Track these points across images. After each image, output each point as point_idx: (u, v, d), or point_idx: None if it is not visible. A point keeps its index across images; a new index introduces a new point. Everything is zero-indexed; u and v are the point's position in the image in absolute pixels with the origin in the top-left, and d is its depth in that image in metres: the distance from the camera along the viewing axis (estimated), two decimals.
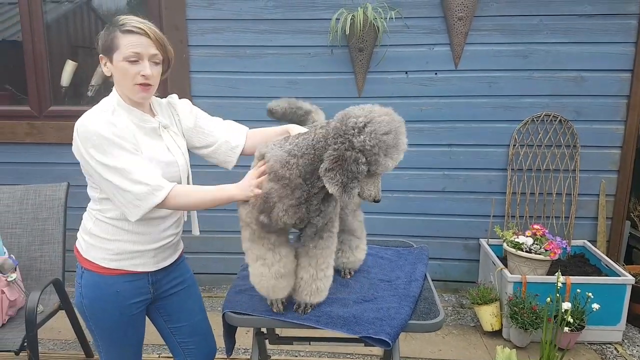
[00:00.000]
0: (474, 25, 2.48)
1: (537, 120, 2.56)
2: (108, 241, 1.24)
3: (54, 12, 2.78)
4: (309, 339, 1.61)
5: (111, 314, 1.26)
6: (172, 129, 1.31)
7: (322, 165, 1.06)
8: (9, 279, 1.78)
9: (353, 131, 1.04)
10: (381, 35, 2.43)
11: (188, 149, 1.39)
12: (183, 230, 1.41)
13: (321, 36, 2.53)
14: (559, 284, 2.16)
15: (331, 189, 1.05)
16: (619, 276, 2.27)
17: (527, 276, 2.23)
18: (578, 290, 2.17)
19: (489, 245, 2.59)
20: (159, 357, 2.17)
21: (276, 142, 1.19)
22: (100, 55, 1.22)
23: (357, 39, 2.41)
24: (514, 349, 1.83)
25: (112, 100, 1.23)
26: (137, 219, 1.18)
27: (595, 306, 2.08)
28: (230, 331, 1.41)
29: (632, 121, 2.52)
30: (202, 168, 2.48)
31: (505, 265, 2.36)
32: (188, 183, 1.34)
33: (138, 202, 1.15)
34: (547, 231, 2.32)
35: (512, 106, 2.57)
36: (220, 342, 1.47)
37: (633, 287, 2.25)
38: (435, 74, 2.56)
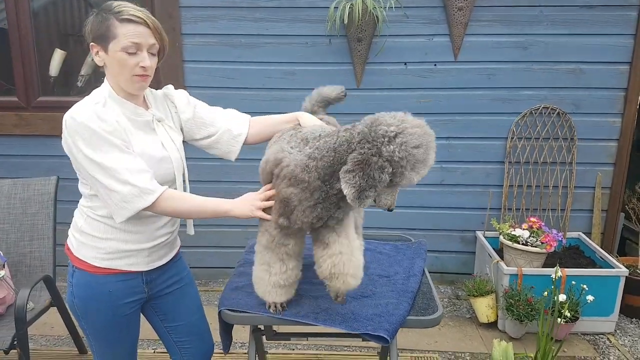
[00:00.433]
0: (474, 16, 2.44)
1: (535, 113, 2.55)
2: (100, 240, 1.20)
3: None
4: (306, 335, 1.60)
5: (104, 314, 1.23)
6: (166, 122, 1.26)
7: (344, 167, 1.04)
8: None
9: (383, 139, 1.02)
10: (381, 25, 2.38)
11: (188, 142, 1.34)
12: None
13: (319, 25, 2.48)
14: (555, 277, 2.18)
15: (347, 190, 1.02)
16: (613, 268, 2.29)
17: (523, 268, 2.24)
18: (573, 282, 2.19)
19: (485, 237, 2.60)
20: (154, 352, 2.15)
21: (294, 144, 1.15)
22: (92, 43, 1.15)
23: (355, 28, 2.36)
24: (511, 342, 1.84)
25: (103, 91, 1.18)
26: (122, 220, 1.14)
27: (590, 298, 2.09)
28: (227, 329, 1.39)
29: (629, 114, 2.52)
30: (199, 161, 2.45)
31: (502, 257, 2.37)
32: (183, 180, 1.29)
33: (124, 204, 1.10)
34: (543, 224, 2.32)
35: (510, 98, 2.55)
36: (217, 336, 1.45)
37: (626, 278, 2.28)
38: (435, 65, 2.52)
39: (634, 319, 2.46)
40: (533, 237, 2.26)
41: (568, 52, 2.47)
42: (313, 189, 1.10)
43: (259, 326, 1.48)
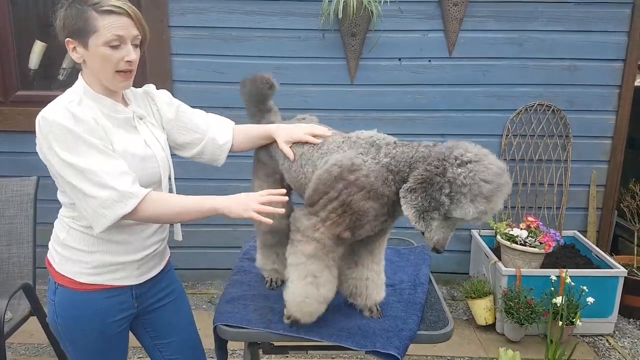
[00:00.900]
0: (469, 12, 2.41)
1: (530, 110, 2.52)
2: (84, 253, 1.09)
3: None
4: (305, 348, 1.51)
5: (90, 334, 1.12)
6: (148, 119, 1.16)
7: (405, 184, 0.97)
8: None
9: (454, 161, 0.96)
10: (375, 19, 2.33)
11: (171, 146, 1.24)
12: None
13: (312, 19, 2.41)
14: (554, 278, 2.15)
15: (407, 211, 0.96)
16: (611, 268, 2.26)
17: (521, 269, 2.20)
18: (572, 283, 2.16)
19: (480, 236, 2.56)
20: None
21: (364, 150, 1.07)
22: (67, 39, 1.04)
23: (350, 23, 2.30)
24: (518, 352, 1.78)
25: (77, 89, 1.07)
26: (101, 230, 1.02)
27: (590, 300, 2.07)
28: (222, 345, 1.30)
29: (623, 111, 2.51)
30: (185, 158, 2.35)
31: (498, 257, 2.33)
32: (170, 180, 1.20)
33: (103, 211, 0.99)
34: (540, 223, 2.29)
35: (505, 95, 2.52)
36: (206, 342, 1.37)
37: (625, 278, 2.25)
38: (429, 61, 2.48)
39: (631, 320, 2.44)
40: (531, 236, 2.23)
41: (563, 49, 2.46)
42: (389, 204, 1.03)
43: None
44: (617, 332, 2.33)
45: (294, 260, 1.11)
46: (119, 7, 1.02)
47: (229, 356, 2.07)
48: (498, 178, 0.95)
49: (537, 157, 2.57)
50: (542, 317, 2.14)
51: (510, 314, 2.14)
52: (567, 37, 2.44)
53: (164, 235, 1.22)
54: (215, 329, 1.19)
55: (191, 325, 1.33)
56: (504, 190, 0.96)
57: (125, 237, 1.11)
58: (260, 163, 1.33)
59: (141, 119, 1.14)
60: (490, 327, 2.32)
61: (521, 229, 2.27)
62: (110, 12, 1.01)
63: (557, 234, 2.28)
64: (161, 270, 1.24)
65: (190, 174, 2.46)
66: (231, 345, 2.00)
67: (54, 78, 2.61)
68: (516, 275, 2.20)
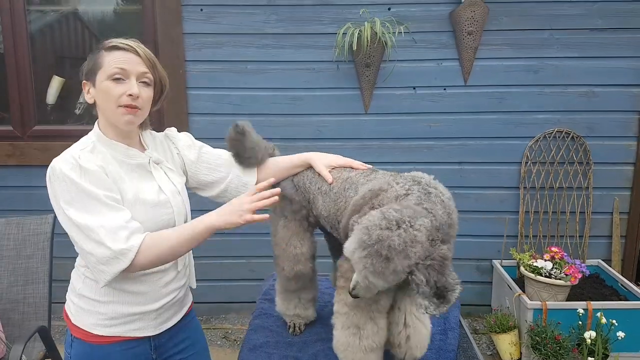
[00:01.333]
0: (484, 40, 2.40)
1: (549, 137, 2.48)
2: (100, 303, 1.06)
3: (38, 22, 2.61)
4: None
5: None
6: (165, 164, 1.14)
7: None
8: None
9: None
10: (390, 50, 2.33)
11: (193, 189, 1.22)
12: None
13: (326, 51, 2.42)
14: (581, 311, 2.07)
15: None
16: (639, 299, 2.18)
17: (547, 302, 2.12)
18: (598, 313, 2.06)
19: (502, 267, 2.48)
20: None
21: (403, 181, 0.95)
22: (83, 81, 1.06)
23: (364, 54, 2.30)
24: None
25: (91, 136, 1.07)
26: (105, 284, 1.00)
27: (621, 334, 1.98)
28: None
29: None
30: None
31: (521, 288, 2.25)
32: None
33: (102, 267, 0.97)
34: (565, 254, 2.22)
35: (523, 122, 2.48)
36: None
37: None
38: (444, 89, 2.47)
39: None
40: (556, 268, 2.16)
41: (579, 75, 2.43)
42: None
43: None
44: None
45: (338, 308, 1.05)
46: (126, 44, 1.03)
47: None
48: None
49: (557, 184, 2.52)
50: (570, 352, 2.05)
51: (537, 349, 2.05)
52: (584, 63, 2.42)
53: (183, 282, 1.17)
54: None
55: None
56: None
57: (140, 287, 1.07)
58: (286, 200, 1.25)
59: (158, 163, 1.12)
60: None
61: (545, 260, 2.20)
62: (116, 47, 1.02)
63: (583, 265, 2.20)
64: (182, 318, 1.19)
65: (206, 205, 2.44)
66: None
67: (70, 113, 2.64)
68: (542, 309, 2.12)
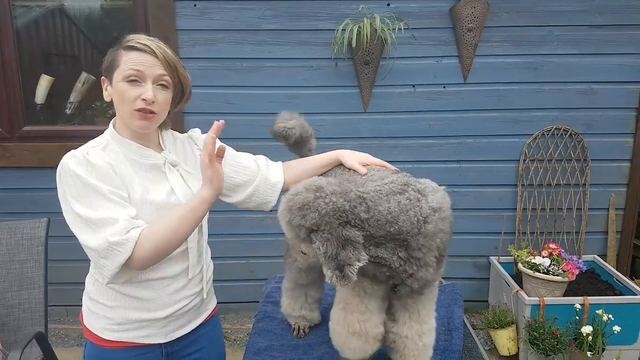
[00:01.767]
0: (484, 37, 2.37)
1: (547, 134, 2.48)
2: (108, 308, 1.05)
3: (24, 17, 2.50)
4: None
5: None
6: (183, 166, 1.10)
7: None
8: None
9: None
10: (389, 47, 2.29)
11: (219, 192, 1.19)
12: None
13: (324, 48, 2.37)
14: (578, 306, 2.10)
15: None
16: (634, 294, 2.22)
17: (545, 298, 2.15)
18: (597, 311, 2.11)
19: (500, 263, 2.50)
20: None
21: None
22: (102, 77, 1.04)
23: (363, 51, 2.26)
24: None
25: (105, 133, 1.05)
26: (108, 281, 0.97)
27: (617, 328, 2.02)
28: None
29: None
30: None
31: (519, 284, 2.28)
32: (200, 231, 1.13)
33: (103, 261, 0.95)
34: (562, 250, 2.24)
35: (522, 120, 2.48)
36: None
37: None
38: (444, 87, 2.44)
39: None
40: (554, 264, 2.18)
41: (579, 72, 2.42)
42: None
43: None
44: None
45: (337, 288, 1.08)
46: (144, 44, 0.98)
47: None
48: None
49: (555, 181, 2.53)
50: (567, 347, 2.09)
51: (535, 344, 2.09)
52: (583, 60, 2.41)
53: (197, 289, 1.13)
54: None
55: None
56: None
57: (148, 293, 1.05)
58: None
59: (174, 166, 1.08)
60: (514, 358, 2.26)
61: (543, 256, 2.22)
62: (134, 48, 0.98)
63: (580, 261, 2.23)
64: (198, 327, 1.16)
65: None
66: None
67: (61, 112, 2.56)
68: (540, 305, 2.15)
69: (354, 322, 1.04)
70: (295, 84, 2.41)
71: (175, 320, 1.10)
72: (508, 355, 2.25)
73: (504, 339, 2.24)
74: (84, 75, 2.51)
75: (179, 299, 1.09)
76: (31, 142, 2.41)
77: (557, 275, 2.16)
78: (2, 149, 2.42)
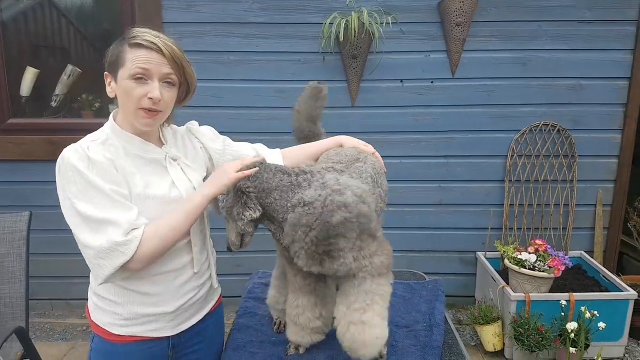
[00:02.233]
0: (472, 31, 2.36)
1: (535, 130, 2.48)
2: (115, 304, 1.05)
3: (11, 9, 2.48)
4: None
5: None
6: (183, 160, 1.10)
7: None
8: None
9: None
10: (377, 41, 2.27)
11: None
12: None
13: (312, 42, 2.36)
14: (563, 302, 2.11)
15: None
16: (620, 290, 2.22)
17: (530, 294, 2.15)
18: (582, 307, 2.11)
19: (486, 258, 2.51)
20: None
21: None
22: (105, 72, 1.03)
23: (351, 45, 2.24)
24: None
25: (105, 127, 1.04)
26: (102, 281, 0.96)
27: (602, 325, 2.03)
28: None
29: (629, 130, 2.47)
30: None
31: (505, 279, 2.28)
32: (202, 221, 1.14)
33: (101, 261, 0.94)
34: (549, 246, 2.24)
35: (510, 115, 2.47)
36: None
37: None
38: (432, 82, 2.43)
39: None
40: (540, 260, 2.18)
41: (567, 68, 2.42)
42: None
43: None
44: (627, 355, 2.29)
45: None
46: (150, 41, 0.97)
47: None
48: None
49: (542, 177, 2.53)
50: (552, 343, 2.09)
51: (520, 340, 2.09)
52: (572, 55, 2.40)
53: (201, 281, 1.13)
54: None
55: None
56: None
57: (154, 287, 1.04)
58: None
59: (175, 160, 1.08)
60: (499, 353, 2.27)
61: (529, 252, 2.23)
62: (140, 45, 0.96)
63: (566, 257, 2.23)
64: (204, 317, 1.16)
65: None
66: None
67: (46, 105, 2.54)
68: (525, 300, 2.15)
69: (291, 314, 1.15)
70: (283, 77, 2.40)
71: (183, 312, 1.10)
72: (493, 350, 2.26)
73: (490, 335, 2.25)
74: (69, 67, 2.49)
75: (186, 292, 1.09)
76: (16, 134, 2.39)
77: (543, 272, 2.16)
78: None
